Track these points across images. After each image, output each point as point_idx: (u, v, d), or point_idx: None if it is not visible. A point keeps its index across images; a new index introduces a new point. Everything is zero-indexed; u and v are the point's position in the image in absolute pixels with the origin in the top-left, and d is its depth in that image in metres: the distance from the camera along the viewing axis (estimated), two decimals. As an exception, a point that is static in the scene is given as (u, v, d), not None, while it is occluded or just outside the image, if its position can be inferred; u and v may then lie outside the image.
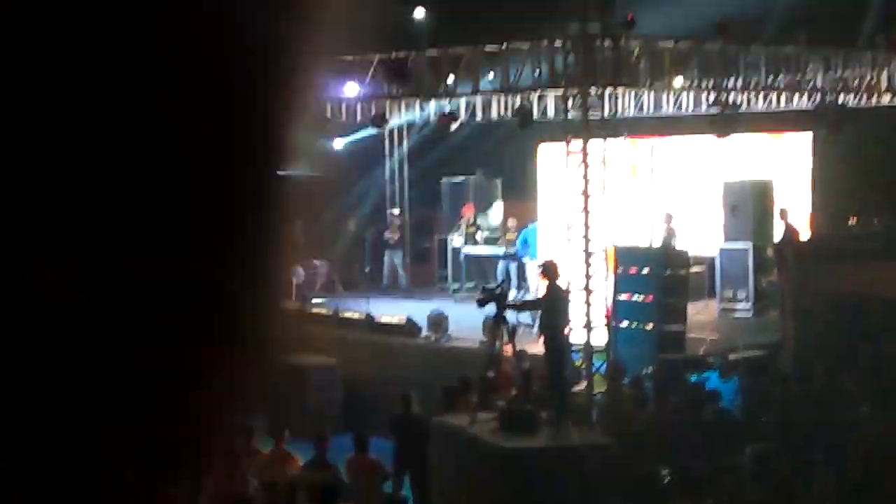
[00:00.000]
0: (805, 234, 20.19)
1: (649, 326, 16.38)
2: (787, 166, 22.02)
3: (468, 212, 24.25)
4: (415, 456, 13.82)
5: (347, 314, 20.03)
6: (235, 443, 12.99)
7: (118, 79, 0.79)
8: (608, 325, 16.13)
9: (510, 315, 14.03)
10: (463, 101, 19.65)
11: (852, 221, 21.32)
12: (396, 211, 25.25)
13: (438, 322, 18.82)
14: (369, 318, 19.59)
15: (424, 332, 18.96)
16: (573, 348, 15.39)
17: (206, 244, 0.83)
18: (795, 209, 21.02)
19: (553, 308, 13.95)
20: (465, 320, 18.91)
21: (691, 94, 19.93)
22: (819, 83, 18.97)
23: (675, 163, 21.88)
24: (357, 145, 23.75)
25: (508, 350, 14.36)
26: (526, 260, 21.00)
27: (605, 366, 15.66)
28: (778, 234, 19.63)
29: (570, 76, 15.94)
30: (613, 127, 16.37)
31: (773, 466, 10.99)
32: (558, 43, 16.02)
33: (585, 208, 15.71)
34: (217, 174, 0.83)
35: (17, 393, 0.80)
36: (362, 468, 12.35)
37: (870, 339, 15.17)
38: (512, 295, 19.80)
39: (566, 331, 14.26)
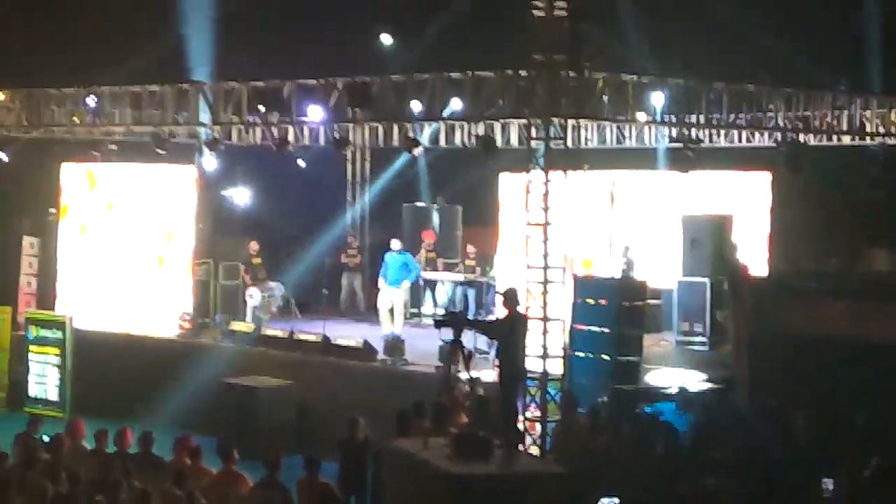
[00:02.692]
0: (758, 271, 20.28)
1: (605, 357, 16.41)
2: (746, 203, 22.17)
3: (428, 237, 24.30)
4: (358, 480, 13.82)
5: (303, 336, 19.95)
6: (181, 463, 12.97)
7: None
8: (565, 351, 16.14)
9: (467, 341, 14.01)
10: (427, 128, 19.68)
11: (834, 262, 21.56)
12: (356, 235, 25.27)
13: (395, 346, 18.80)
14: (325, 341, 19.53)
15: (380, 356, 18.92)
16: (529, 376, 15.39)
17: None
18: (753, 246, 21.16)
19: (511, 335, 13.95)
20: (422, 345, 18.92)
21: (654, 128, 20.05)
22: (780, 121, 19.11)
23: (635, 195, 21.99)
24: (318, 168, 23.76)
25: (464, 376, 14.36)
26: (405, 284, 21.45)
27: (559, 394, 15.67)
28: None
29: (533, 106, 15.99)
30: (575, 158, 16.42)
31: (722, 501, 11.01)
32: (523, 72, 16.07)
33: (545, 237, 15.74)
34: None
35: None
36: (312, 490, 12.29)
37: (820, 377, 15.25)
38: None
39: (523, 358, 14.25)
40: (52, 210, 24.02)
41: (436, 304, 23.30)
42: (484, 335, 16.22)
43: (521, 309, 14.37)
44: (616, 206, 20.36)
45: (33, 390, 21.74)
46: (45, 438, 14.02)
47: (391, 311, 21.25)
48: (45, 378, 21.60)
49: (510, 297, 14.07)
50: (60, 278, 23.44)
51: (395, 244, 21.83)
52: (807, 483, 11.88)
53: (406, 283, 21.65)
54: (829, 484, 12.19)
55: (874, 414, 13.86)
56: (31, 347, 21.82)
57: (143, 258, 22.71)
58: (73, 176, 23.33)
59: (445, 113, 17.54)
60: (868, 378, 15.03)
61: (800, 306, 16.36)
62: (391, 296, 21.35)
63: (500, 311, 15.44)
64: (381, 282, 21.53)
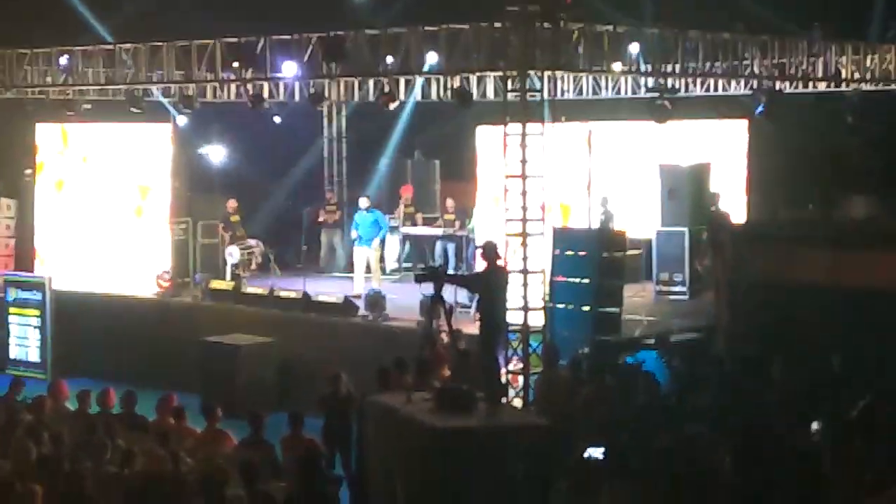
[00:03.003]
0: (737, 219, 20.35)
1: (586, 308, 16.46)
2: (723, 152, 22.22)
3: (406, 192, 24.28)
4: (342, 435, 13.88)
5: (283, 293, 19.95)
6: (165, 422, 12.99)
7: None
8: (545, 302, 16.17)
9: (447, 295, 14.03)
10: (402, 81, 19.62)
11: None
12: (333, 191, 25.25)
13: (375, 301, 18.82)
14: (306, 297, 19.54)
15: (361, 312, 18.94)
16: (510, 329, 15.43)
17: None
18: (730, 194, 21.23)
19: (491, 288, 13.97)
20: (403, 300, 18.95)
21: (629, 79, 20.03)
22: (756, 69, 19.10)
23: (613, 146, 22.00)
24: (294, 124, 23.65)
25: (445, 330, 14.39)
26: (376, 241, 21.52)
27: (541, 347, 15.73)
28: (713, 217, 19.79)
29: (509, 58, 15.94)
30: (552, 109, 16.39)
31: (704, 449, 11.07)
32: (498, 24, 16.01)
33: (523, 190, 15.74)
34: None
35: None
36: (297, 447, 12.32)
37: (799, 324, 15.35)
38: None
39: (504, 311, 14.27)
40: (28, 171, 23.90)
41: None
42: (464, 289, 16.26)
43: (500, 262, 14.38)
44: (593, 157, 20.35)
45: (14, 352, 21.73)
46: (28, 401, 14.01)
47: (368, 268, 21.27)
48: (26, 340, 21.58)
49: (488, 251, 14.10)
50: (38, 239, 23.36)
51: (363, 202, 21.79)
52: (792, 427, 11.96)
53: (376, 241, 21.62)
54: (816, 426, 12.28)
55: (850, 358, 13.97)
56: (11, 309, 21.79)
57: (121, 217, 22.64)
58: (47, 136, 23.20)
59: (425, 69, 17.46)
60: (845, 324, 15.14)
61: (778, 254, 16.43)
62: (365, 254, 21.35)
63: (479, 265, 15.45)
64: (353, 233, 21.63)
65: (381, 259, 22.36)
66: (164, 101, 21.08)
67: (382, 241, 22.30)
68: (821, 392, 13.09)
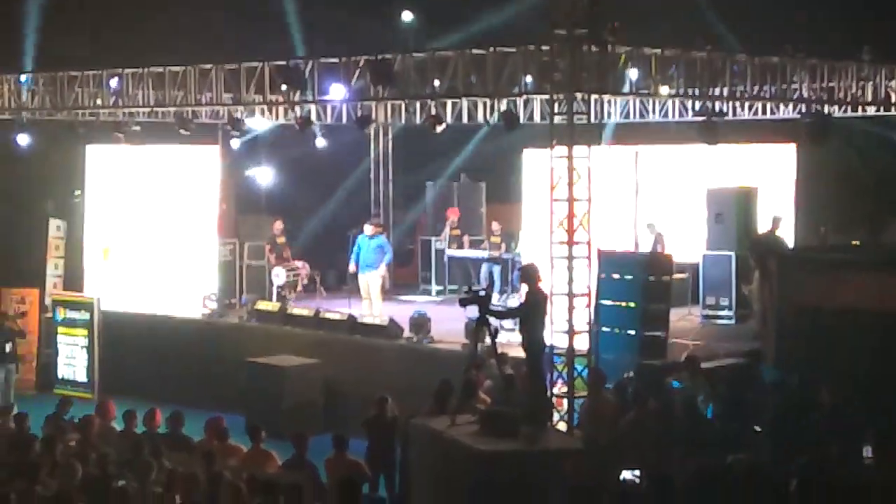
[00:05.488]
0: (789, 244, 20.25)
1: (631, 332, 16.38)
2: (771, 176, 22.10)
3: (453, 214, 24.32)
4: (387, 458, 13.90)
5: (329, 315, 20.00)
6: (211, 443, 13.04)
7: None
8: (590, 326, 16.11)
9: (492, 318, 14.02)
10: (449, 104, 19.65)
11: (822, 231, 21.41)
12: (379, 213, 25.30)
13: (421, 324, 18.83)
14: (351, 319, 19.57)
15: (406, 334, 18.95)
16: (556, 352, 15.39)
17: None
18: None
19: (531, 312, 13.94)
20: (448, 323, 18.95)
21: (677, 102, 19.97)
22: (805, 93, 18.99)
23: (660, 169, 21.95)
24: (341, 146, 23.75)
25: (490, 353, 14.38)
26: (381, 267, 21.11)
27: (586, 370, 15.66)
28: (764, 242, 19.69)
29: (555, 81, 15.94)
30: (599, 133, 16.36)
31: (752, 476, 10.98)
32: (545, 47, 16.01)
33: (570, 213, 15.71)
34: None
35: None
36: (341, 469, 12.34)
37: (846, 349, 15.22)
38: (496, 298, 19.88)
39: (544, 334, 14.24)
40: (78, 192, 24.11)
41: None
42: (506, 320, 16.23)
43: (542, 285, 14.31)
44: (640, 181, 20.32)
45: (62, 372, 21.90)
46: (76, 420, 14.11)
47: (370, 294, 21.07)
48: (73, 360, 21.75)
49: (528, 275, 14.06)
50: (87, 260, 23.54)
51: (368, 229, 21.45)
52: (844, 452, 11.88)
53: (382, 266, 21.33)
54: (868, 451, 12.19)
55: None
56: (59, 329, 21.97)
57: (169, 239, 22.80)
58: (97, 158, 23.40)
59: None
60: (892, 348, 14.99)
61: (825, 279, 16.29)
62: (366, 279, 21.14)
63: (523, 289, 15.43)
64: (351, 265, 21.20)
65: (384, 285, 21.92)
66: (214, 121, 21.18)
67: (388, 266, 22.09)
68: (870, 417, 12.97)
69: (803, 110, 19.20)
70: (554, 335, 15.22)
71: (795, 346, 16.16)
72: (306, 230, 25.27)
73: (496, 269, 22.79)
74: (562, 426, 15.42)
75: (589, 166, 15.64)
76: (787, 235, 20.82)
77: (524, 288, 14.35)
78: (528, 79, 16.71)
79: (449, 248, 23.88)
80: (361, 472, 12.62)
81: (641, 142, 21.36)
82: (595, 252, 16.15)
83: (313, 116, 20.05)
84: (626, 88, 17.13)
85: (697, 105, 18.04)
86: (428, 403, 13.60)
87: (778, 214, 20.06)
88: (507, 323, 16.74)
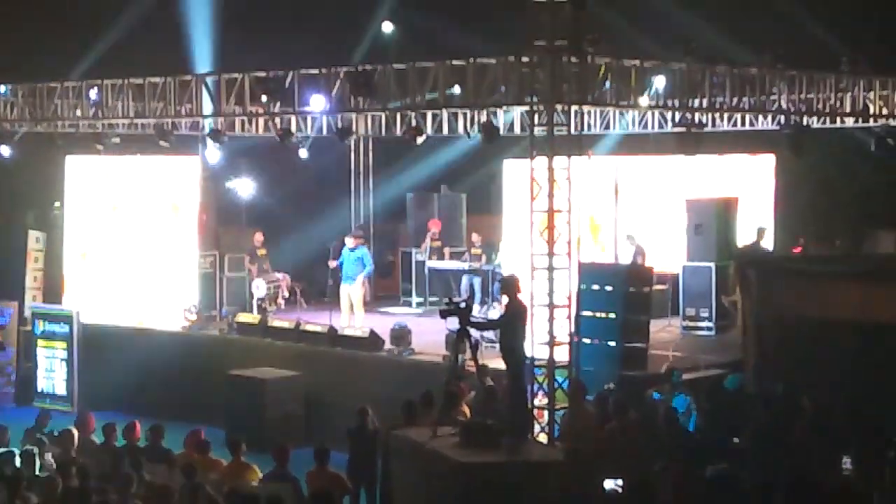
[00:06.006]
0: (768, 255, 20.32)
1: (612, 343, 16.40)
2: (750, 187, 22.18)
3: (434, 226, 24.32)
4: (368, 470, 13.86)
5: (309, 327, 19.97)
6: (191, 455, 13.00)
7: None
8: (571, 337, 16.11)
9: (473, 330, 14.01)
10: (430, 115, 19.65)
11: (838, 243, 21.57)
12: (361, 225, 25.27)
13: (401, 336, 18.80)
14: (332, 331, 19.54)
15: (387, 346, 18.93)
16: (536, 363, 15.39)
17: None
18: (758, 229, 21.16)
19: (512, 324, 13.94)
20: (429, 334, 18.92)
21: (656, 113, 20.02)
22: (783, 104, 19.06)
23: (639, 180, 21.99)
24: (322, 158, 23.73)
25: (471, 365, 14.36)
26: (359, 278, 21.27)
27: (567, 382, 15.65)
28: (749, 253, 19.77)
29: (536, 92, 15.95)
30: (579, 144, 16.37)
31: (731, 487, 10.99)
32: (525, 58, 16.02)
33: (550, 224, 15.71)
34: None
35: None
36: (323, 481, 12.31)
37: (826, 359, 15.26)
38: (476, 310, 19.87)
39: (525, 346, 14.23)
40: (57, 204, 24.03)
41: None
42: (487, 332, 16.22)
43: (520, 296, 14.32)
44: (620, 192, 20.36)
45: (41, 385, 21.80)
46: (55, 433, 14.05)
47: (351, 306, 21.10)
48: (52, 373, 21.66)
49: (509, 286, 14.07)
50: (66, 272, 23.45)
51: (349, 241, 21.50)
52: (824, 462, 11.91)
53: (360, 278, 21.39)
54: (847, 462, 12.23)
55: (879, 393, 13.88)
56: (39, 342, 21.87)
57: (149, 250, 22.72)
58: (77, 169, 23.33)
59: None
60: (873, 359, 15.04)
61: (806, 289, 16.34)
62: (347, 290, 21.17)
63: (503, 300, 15.43)
64: (332, 263, 21.39)
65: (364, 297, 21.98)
66: (194, 133, 21.14)
67: (368, 278, 22.12)
68: (850, 427, 13.01)
69: (782, 121, 19.28)
70: (535, 346, 15.20)
71: (775, 357, 16.20)
72: (286, 242, 25.22)
73: (477, 281, 22.80)
74: (543, 438, 15.41)
75: (569, 177, 15.64)
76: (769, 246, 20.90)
77: (505, 299, 14.34)
78: (503, 89, 16.71)
79: (429, 259, 23.88)
80: (342, 484, 12.61)
81: (622, 153, 21.38)
82: (575, 263, 16.16)
83: (293, 128, 20.02)
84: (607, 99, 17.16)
85: (678, 116, 18.08)
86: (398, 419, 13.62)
87: (762, 225, 20.13)
88: (489, 333, 16.74)
